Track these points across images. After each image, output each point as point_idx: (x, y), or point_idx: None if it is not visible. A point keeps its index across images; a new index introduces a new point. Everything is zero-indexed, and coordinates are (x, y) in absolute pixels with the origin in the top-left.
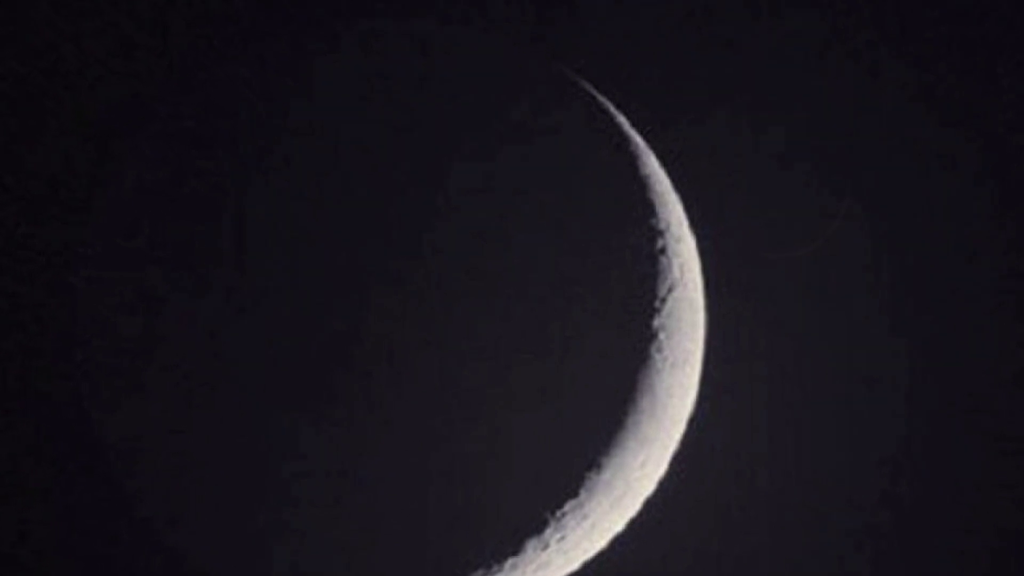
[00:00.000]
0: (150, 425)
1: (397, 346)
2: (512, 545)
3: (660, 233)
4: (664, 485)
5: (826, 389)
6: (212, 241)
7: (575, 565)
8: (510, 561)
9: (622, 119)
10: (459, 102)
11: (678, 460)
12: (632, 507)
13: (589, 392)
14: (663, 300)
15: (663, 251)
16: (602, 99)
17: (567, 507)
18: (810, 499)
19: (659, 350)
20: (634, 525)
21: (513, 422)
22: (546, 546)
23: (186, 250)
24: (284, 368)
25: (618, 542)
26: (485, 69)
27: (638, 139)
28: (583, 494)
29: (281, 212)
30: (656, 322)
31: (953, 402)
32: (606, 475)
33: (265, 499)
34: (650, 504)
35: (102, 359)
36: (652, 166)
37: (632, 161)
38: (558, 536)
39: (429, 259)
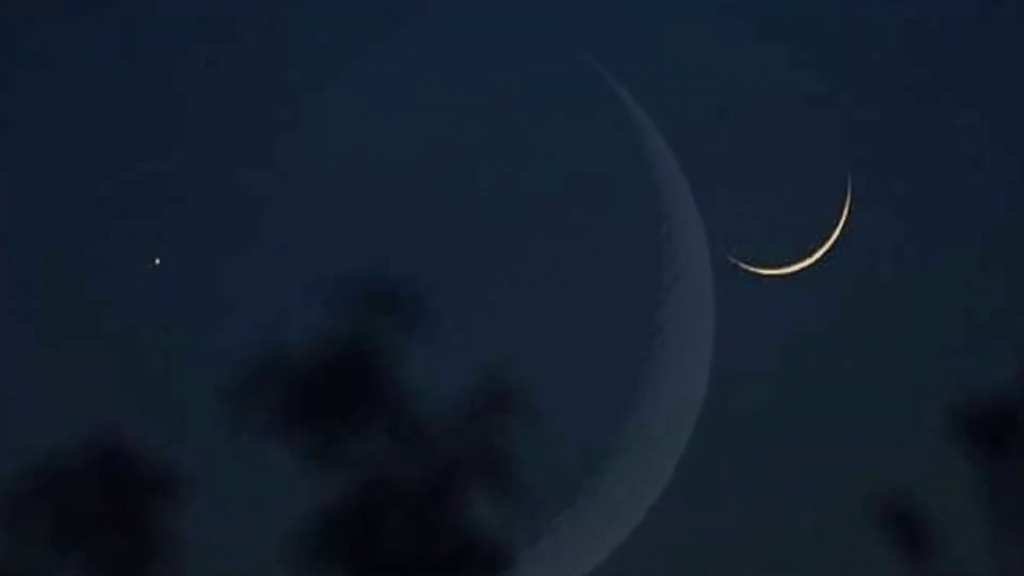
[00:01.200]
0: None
1: (384, 342)
2: (503, 558)
3: (665, 217)
4: (669, 492)
5: (840, 388)
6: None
7: None
8: None
9: (624, 92)
10: (447, 76)
11: (684, 465)
12: (634, 516)
13: (587, 391)
14: (668, 290)
15: (668, 237)
16: (601, 70)
17: (563, 516)
18: (828, 505)
19: (663, 344)
20: (637, 536)
21: (505, 423)
22: (541, 559)
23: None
24: (258, 377)
25: (619, 554)
26: (475, 39)
27: (641, 114)
28: (580, 502)
29: (260, 209)
30: (660, 314)
31: (964, 399)
32: (605, 481)
33: (239, 512)
34: (654, 512)
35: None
36: (657, 144)
37: (634, 139)
38: (554, 548)
39: (415, 247)
